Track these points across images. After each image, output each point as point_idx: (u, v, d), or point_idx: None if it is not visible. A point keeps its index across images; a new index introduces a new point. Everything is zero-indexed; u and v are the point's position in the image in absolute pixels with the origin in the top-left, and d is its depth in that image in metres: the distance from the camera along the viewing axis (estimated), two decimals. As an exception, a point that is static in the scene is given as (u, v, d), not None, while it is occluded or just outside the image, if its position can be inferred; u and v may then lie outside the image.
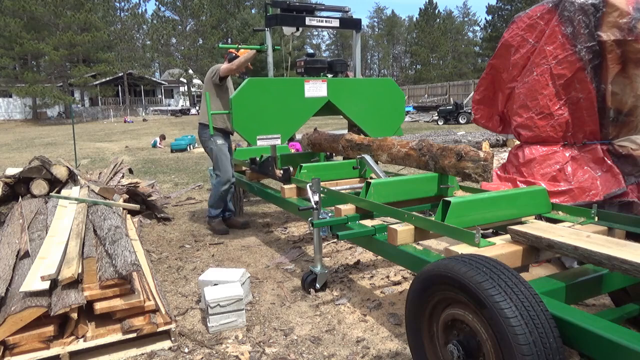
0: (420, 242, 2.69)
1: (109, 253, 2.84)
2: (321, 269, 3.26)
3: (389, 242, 2.62)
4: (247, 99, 3.74)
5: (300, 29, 4.16)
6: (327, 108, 4.14)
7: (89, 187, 4.61)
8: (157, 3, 48.51)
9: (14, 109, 38.50)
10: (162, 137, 15.84)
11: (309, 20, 4.08)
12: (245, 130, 3.78)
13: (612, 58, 3.09)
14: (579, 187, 3.22)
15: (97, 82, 39.42)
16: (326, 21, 4.17)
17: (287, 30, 4.18)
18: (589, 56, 3.13)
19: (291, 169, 4.08)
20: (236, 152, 5.70)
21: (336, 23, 4.25)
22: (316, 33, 74.64)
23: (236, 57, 4.63)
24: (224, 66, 4.60)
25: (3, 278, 2.67)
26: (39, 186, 4.61)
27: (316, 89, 3.98)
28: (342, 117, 4.48)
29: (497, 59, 3.67)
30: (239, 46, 4.59)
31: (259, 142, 3.83)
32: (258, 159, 4.74)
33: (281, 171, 4.10)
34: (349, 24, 4.39)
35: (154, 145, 15.15)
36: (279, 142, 3.92)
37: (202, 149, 13.65)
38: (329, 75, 4.33)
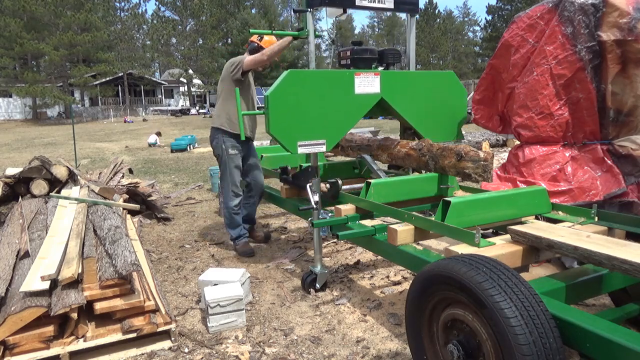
0: (420, 242, 2.69)
1: (109, 253, 2.84)
2: (321, 269, 3.26)
3: (389, 242, 2.62)
4: (287, 95, 3.06)
5: (348, 11, 3.57)
6: (378, 107, 3.48)
7: (89, 187, 4.61)
8: (157, 3, 48.51)
9: (14, 109, 38.49)
10: (158, 134, 15.89)
11: (359, 1, 3.50)
12: (284, 135, 3.09)
13: (612, 58, 3.09)
14: (579, 187, 3.22)
15: (97, 82, 39.40)
16: (379, 1, 3.59)
17: (332, 12, 3.60)
18: (589, 56, 3.12)
19: (340, 182, 3.38)
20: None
21: (390, 4, 3.66)
22: (318, 33, 74.34)
23: (259, 47, 4.00)
24: (250, 58, 3.93)
25: (3, 278, 2.67)
26: (39, 186, 4.61)
27: (368, 83, 3.31)
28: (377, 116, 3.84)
29: (497, 59, 3.67)
30: (274, 31, 3.90)
31: (300, 150, 3.11)
32: (289, 168, 4.05)
33: (327, 185, 3.39)
34: (406, 5, 3.74)
35: (154, 144, 15.14)
36: (323, 148, 3.23)
37: (202, 149, 13.67)
38: (380, 68, 3.67)
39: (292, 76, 3.09)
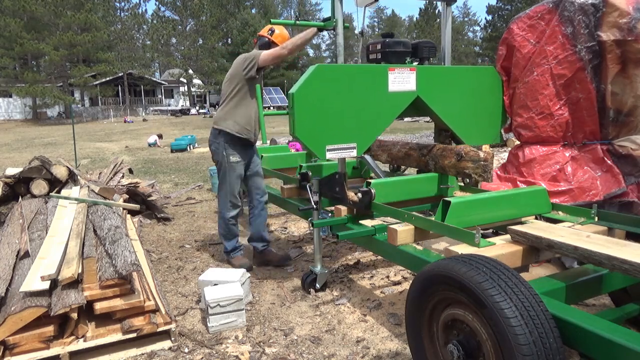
0: (420, 242, 2.69)
1: (109, 253, 2.84)
2: (321, 269, 3.26)
3: (389, 242, 2.62)
4: (315, 93, 2.74)
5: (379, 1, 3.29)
6: (412, 107, 3.14)
7: (89, 187, 4.61)
8: (157, 3, 48.56)
9: (14, 109, 38.49)
10: (159, 137, 15.91)
11: None
12: (312, 138, 2.78)
13: (612, 58, 3.09)
14: (579, 187, 3.22)
15: (97, 82, 39.41)
16: None
17: (363, 1, 3.34)
18: (589, 56, 3.13)
19: (373, 191, 2.97)
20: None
21: None
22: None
23: (270, 42, 3.63)
24: (267, 52, 3.49)
25: (3, 278, 2.67)
26: (39, 186, 4.61)
27: (403, 80, 2.98)
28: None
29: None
30: (298, 22, 3.54)
31: (328, 155, 2.83)
32: (310, 173, 3.70)
33: (359, 194, 2.99)
34: None
35: (153, 144, 15.14)
36: (354, 153, 2.93)
37: (202, 149, 13.67)
38: (414, 63, 3.34)
39: (321, 71, 2.77)
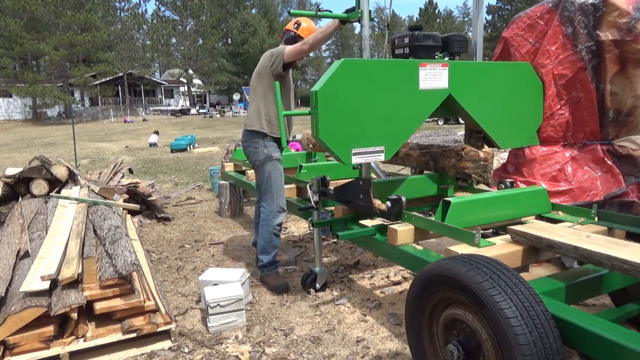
0: (420, 242, 2.69)
1: (109, 253, 2.84)
2: (321, 269, 3.26)
3: (389, 242, 2.62)
4: (341, 90, 2.51)
5: None
6: (443, 107, 2.87)
7: (89, 187, 4.62)
8: (157, 3, 48.58)
9: (14, 109, 38.50)
10: (156, 133, 15.94)
11: None
12: (337, 141, 2.53)
13: (611, 58, 3.09)
14: (579, 187, 3.22)
15: (97, 82, 39.43)
16: None
17: None
18: (589, 56, 3.13)
19: (403, 199, 2.71)
20: (235, 153, 5.69)
21: None
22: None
23: (296, 36, 3.41)
24: (290, 48, 3.27)
25: (3, 278, 2.68)
26: (39, 186, 4.61)
27: (434, 77, 2.73)
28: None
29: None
30: (319, 13, 3.20)
31: (354, 159, 2.58)
32: (328, 177, 3.30)
33: (387, 202, 2.71)
34: None
35: (154, 144, 15.14)
36: (381, 157, 2.68)
37: (202, 149, 13.67)
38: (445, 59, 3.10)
39: (347, 66, 2.52)
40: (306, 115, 2.66)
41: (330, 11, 3.18)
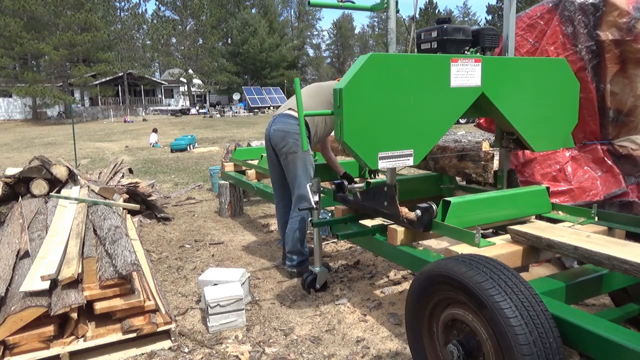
0: (420, 242, 2.69)
1: (109, 253, 2.84)
2: (321, 269, 3.26)
3: (389, 242, 2.62)
4: (368, 88, 2.29)
5: None
6: (474, 106, 2.62)
7: (89, 187, 4.62)
8: (157, 3, 48.59)
9: (14, 109, 38.49)
10: (155, 131, 15.97)
11: None
12: (363, 144, 2.31)
13: (611, 58, 3.09)
14: (579, 187, 3.22)
15: (97, 82, 39.40)
16: None
17: None
18: (589, 56, 3.13)
19: (434, 206, 2.51)
20: (235, 153, 5.70)
21: None
22: (316, 33, 73.35)
23: None
24: None
25: (3, 278, 2.68)
26: (39, 186, 4.61)
27: (467, 73, 2.50)
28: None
29: None
30: (342, 3, 3.00)
31: (381, 164, 2.37)
32: (346, 183, 3.19)
33: (418, 212, 2.51)
34: None
35: (155, 144, 15.15)
36: (410, 162, 2.46)
37: (202, 149, 13.65)
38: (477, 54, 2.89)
39: (375, 61, 2.30)
40: (330, 114, 2.45)
41: (353, 2, 2.99)
